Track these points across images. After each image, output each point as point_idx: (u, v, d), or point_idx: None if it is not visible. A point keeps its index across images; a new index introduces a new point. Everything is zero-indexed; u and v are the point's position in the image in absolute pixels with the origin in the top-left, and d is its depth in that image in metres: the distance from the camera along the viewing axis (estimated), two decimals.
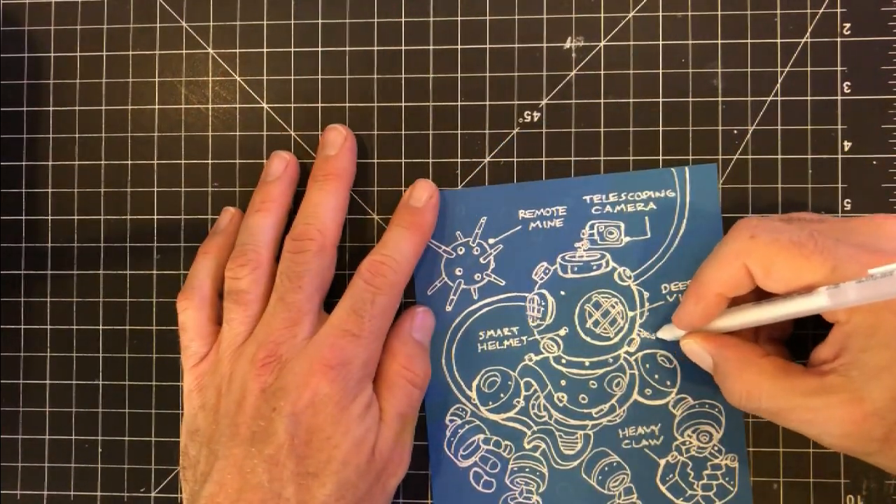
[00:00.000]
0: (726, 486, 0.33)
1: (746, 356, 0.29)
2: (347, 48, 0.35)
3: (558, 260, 0.34)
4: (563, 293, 0.34)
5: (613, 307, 0.33)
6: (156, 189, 0.35)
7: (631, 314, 0.33)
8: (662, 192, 0.34)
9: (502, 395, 0.34)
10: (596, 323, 0.33)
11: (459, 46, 0.35)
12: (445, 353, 0.34)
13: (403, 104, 0.35)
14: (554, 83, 0.34)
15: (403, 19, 0.35)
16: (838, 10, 0.34)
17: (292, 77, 0.35)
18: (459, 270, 0.34)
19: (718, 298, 0.29)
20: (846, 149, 0.33)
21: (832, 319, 0.28)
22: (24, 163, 0.36)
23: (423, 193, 0.33)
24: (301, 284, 0.31)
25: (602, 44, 0.34)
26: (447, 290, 0.34)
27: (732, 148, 0.34)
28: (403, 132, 0.35)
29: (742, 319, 0.30)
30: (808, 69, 0.34)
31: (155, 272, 0.35)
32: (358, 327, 0.30)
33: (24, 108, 0.36)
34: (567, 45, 0.34)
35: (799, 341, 0.33)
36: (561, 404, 0.33)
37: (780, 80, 0.34)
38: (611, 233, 0.34)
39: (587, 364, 0.33)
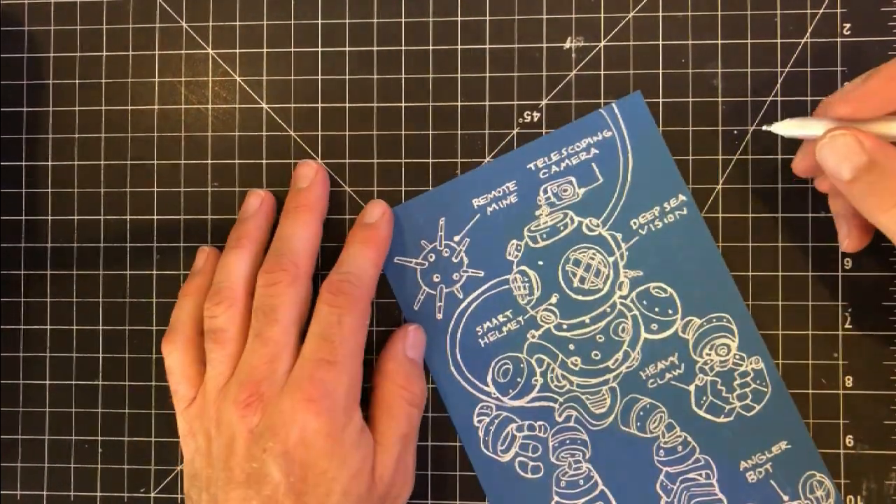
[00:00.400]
0: (760, 388, 0.33)
1: None
2: (347, 48, 0.35)
3: (525, 233, 0.34)
4: (540, 263, 0.34)
5: (593, 259, 0.34)
6: (156, 189, 0.35)
7: (611, 259, 0.34)
8: (600, 135, 0.34)
9: (519, 379, 0.34)
10: (582, 280, 0.34)
11: (459, 46, 0.35)
12: (451, 358, 0.34)
13: (403, 104, 0.35)
14: (554, 83, 0.34)
15: (403, 19, 0.35)
16: (838, 10, 0.34)
17: (292, 77, 0.35)
18: (437, 277, 0.34)
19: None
20: None
21: None
22: (23, 163, 0.36)
23: (375, 210, 0.33)
24: (276, 318, 0.30)
25: (602, 44, 0.34)
26: (432, 300, 0.34)
27: (732, 148, 0.34)
28: (403, 132, 0.35)
29: None
30: (808, 69, 0.34)
31: (155, 272, 0.35)
32: (331, 353, 0.30)
33: (24, 109, 0.36)
34: (567, 45, 0.34)
35: None
36: (577, 368, 0.34)
37: (780, 80, 0.34)
38: (565, 190, 0.34)
39: (587, 321, 0.34)
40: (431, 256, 0.34)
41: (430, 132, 0.35)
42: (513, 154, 0.34)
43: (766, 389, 0.33)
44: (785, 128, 0.29)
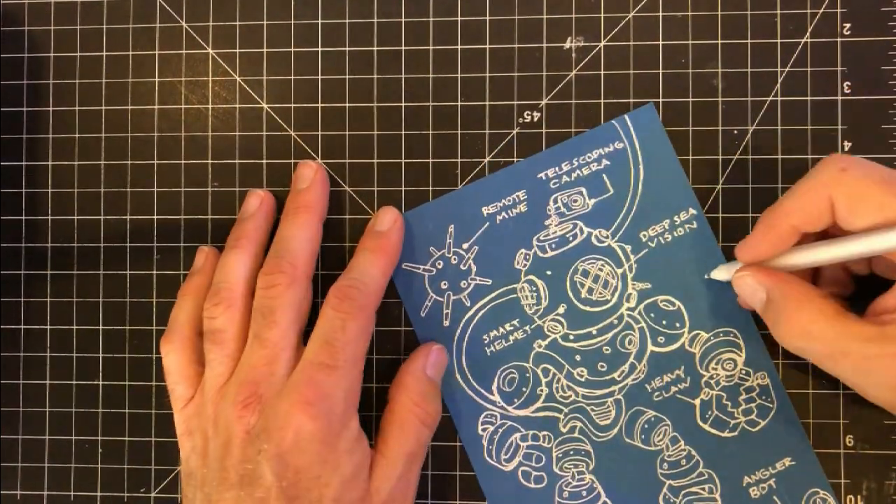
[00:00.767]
0: (765, 404, 0.33)
1: (805, 293, 0.28)
2: (347, 48, 0.35)
3: (534, 243, 0.34)
4: (549, 273, 0.34)
5: (601, 270, 0.34)
6: (156, 189, 0.35)
7: (620, 271, 0.34)
8: (611, 146, 0.34)
9: (524, 389, 0.34)
10: (590, 290, 0.34)
11: (459, 46, 0.35)
12: (457, 366, 0.34)
13: (403, 104, 0.35)
14: (554, 83, 0.34)
15: (403, 19, 0.35)
16: (838, 10, 0.34)
17: (292, 77, 0.35)
18: (444, 284, 0.34)
19: (791, 231, 0.28)
20: (846, 149, 0.33)
21: None
22: (24, 163, 0.36)
23: (386, 218, 0.33)
24: (275, 319, 0.30)
25: (602, 44, 0.34)
26: (439, 307, 0.34)
27: (732, 148, 0.34)
28: (403, 132, 0.35)
29: (811, 256, 0.29)
30: (808, 69, 0.34)
31: (155, 272, 0.35)
32: (332, 358, 0.29)
33: (24, 108, 0.36)
34: (567, 45, 0.34)
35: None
36: (582, 379, 0.34)
37: (780, 80, 0.34)
38: (575, 201, 0.34)
39: (594, 332, 0.34)
40: (440, 263, 0.34)
41: (430, 132, 0.35)
42: (523, 163, 0.34)
43: (771, 405, 0.33)
44: (716, 274, 0.32)
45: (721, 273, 0.32)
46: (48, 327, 0.36)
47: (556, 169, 0.34)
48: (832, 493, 0.33)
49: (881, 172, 0.27)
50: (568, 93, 0.34)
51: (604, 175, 0.34)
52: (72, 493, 0.36)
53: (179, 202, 0.35)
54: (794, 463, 0.33)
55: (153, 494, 0.35)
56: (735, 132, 0.34)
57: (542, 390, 0.34)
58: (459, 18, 0.35)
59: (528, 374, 0.34)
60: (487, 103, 0.34)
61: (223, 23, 0.35)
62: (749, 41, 0.34)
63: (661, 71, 0.34)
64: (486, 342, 0.34)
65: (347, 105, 0.35)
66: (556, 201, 0.34)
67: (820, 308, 0.28)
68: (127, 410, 0.35)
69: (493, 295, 0.34)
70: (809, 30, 0.34)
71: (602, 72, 0.34)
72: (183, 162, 0.35)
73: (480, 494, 0.34)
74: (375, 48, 0.35)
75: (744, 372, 0.33)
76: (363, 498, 0.29)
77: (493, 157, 0.34)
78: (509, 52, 0.34)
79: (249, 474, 0.29)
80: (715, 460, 0.33)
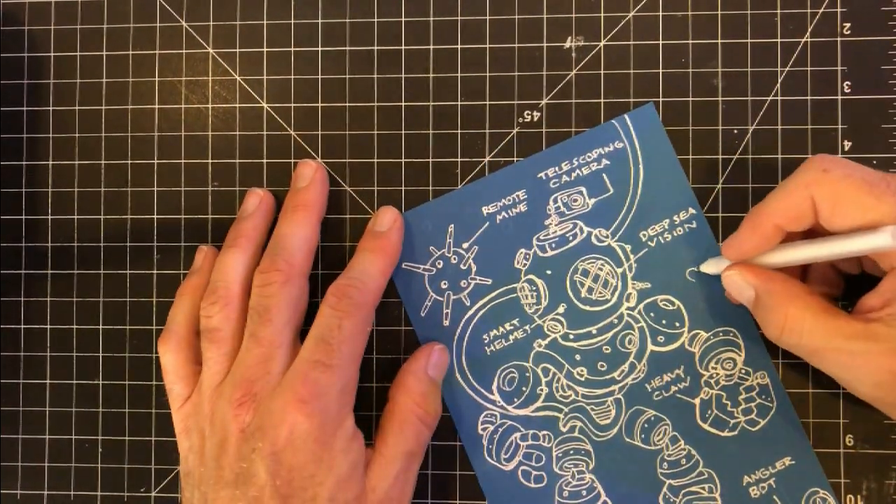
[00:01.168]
0: (765, 403, 0.33)
1: (792, 290, 0.29)
2: (347, 48, 0.35)
3: (534, 242, 0.34)
4: (549, 272, 0.34)
5: (601, 269, 0.34)
6: (156, 189, 0.35)
7: (620, 271, 0.34)
8: (611, 146, 0.34)
9: (524, 388, 0.34)
10: (590, 290, 0.34)
11: (459, 46, 0.35)
12: (457, 365, 0.34)
13: (403, 104, 0.35)
14: (554, 83, 0.34)
15: (403, 19, 0.35)
16: (838, 10, 0.34)
17: (292, 77, 0.35)
18: (444, 283, 0.34)
19: (775, 230, 0.29)
20: (846, 148, 0.33)
21: (888, 266, 0.28)
22: (24, 163, 0.36)
23: (386, 218, 0.33)
24: (270, 318, 0.30)
25: (602, 44, 0.34)
26: (439, 307, 0.34)
27: (732, 148, 0.34)
28: (403, 132, 0.35)
29: (795, 255, 0.29)
30: (808, 69, 0.34)
31: (155, 272, 0.35)
32: (328, 356, 0.29)
33: (24, 108, 0.36)
34: (567, 44, 0.34)
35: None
36: (582, 378, 0.34)
37: (780, 80, 0.34)
38: (575, 200, 0.34)
39: (594, 332, 0.34)
40: (440, 263, 0.34)
41: (430, 132, 0.35)
42: (523, 163, 0.34)
43: (771, 405, 0.33)
44: (705, 267, 0.33)
45: (710, 267, 0.33)
46: (48, 327, 0.36)
47: (556, 168, 0.34)
48: (832, 492, 0.33)
49: (863, 173, 0.27)
50: (568, 92, 0.34)
51: (604, 175, 0.34)
52: (72, 492, 0.36)
53: (179, 202, 0.35)
54: (793, 462, 0.33)
55: (153, 494, 0.35)
56: (735, 132, 0.34)
57: (541, 390, 0.34)
58: (459, 18, 0.35)
59: (528, 374, 0.34)
60: (487, 103, 0.34)
61: (223, 22, 0.35)
62: (749, 41, 0.34)
63: (661, 71, 0.34)
64: (486, 342, 0.34)
65: (347, 105, 0.35)
66: (556, 201, 0.34)
67: (806, 305, 0.28)
68: (127, 410, 0.35)
69: (493, 294, 0.34)
70: (809, 30, 0.34)
71: (602, 71, 0.34)
72: (183, 162, 0.35)
73: (480, 494, 0.34)
74: (375, 48, 0.35)
75: (743, 371, 0.33)
76: (359, 497, 0.29)
77: (493, 156, 0.34)
78: (509, 51, 0.34)
79: (244, 473, 0.29)
80: (715, 460, 0.33)
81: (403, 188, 0.35)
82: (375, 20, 0.35)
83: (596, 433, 0.33)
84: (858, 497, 0.33)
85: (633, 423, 0.33)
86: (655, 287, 0.33)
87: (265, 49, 0.35)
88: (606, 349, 0.34)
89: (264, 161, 0.35)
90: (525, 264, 0.34)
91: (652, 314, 0.33)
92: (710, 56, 0.34)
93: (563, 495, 0.33)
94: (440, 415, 0.33)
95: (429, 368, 0.33)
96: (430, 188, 0.34)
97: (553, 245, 0.34)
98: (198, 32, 0.36)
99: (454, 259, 0.34)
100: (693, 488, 0.33)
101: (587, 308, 0.34)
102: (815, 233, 0.29)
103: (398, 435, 0.31)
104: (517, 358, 0.34)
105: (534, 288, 0.34)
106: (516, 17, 0.34)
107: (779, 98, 0.34)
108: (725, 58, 0.34)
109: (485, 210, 0.34)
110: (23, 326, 0.36)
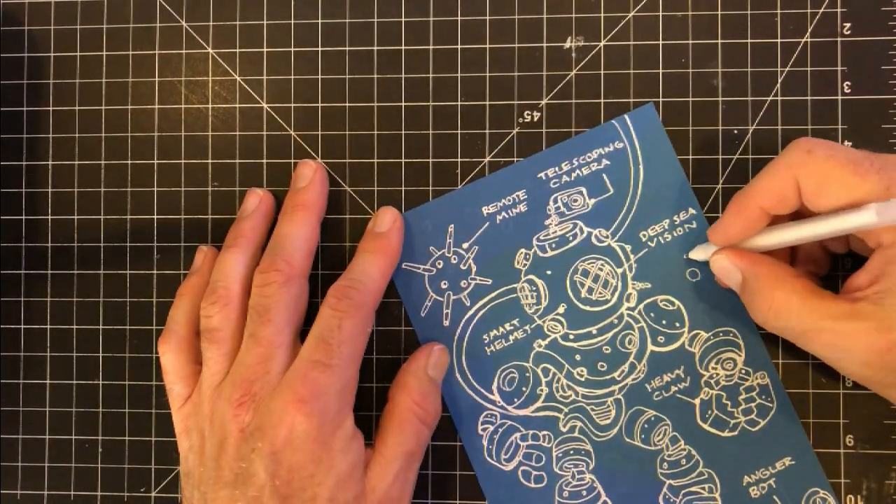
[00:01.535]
0: (765, 403, 0.33)
1: (779, 273, 0.29)
2: (347, 48, 0.35)
3: (534, 242, 0.34)
4: (549, 273, 0.34)
5: (601, 270, 0.34)
6: (156, 189, 0.35)
7: (620, 271, 0.34)
8: (611, 146, 0.34)
9: (524, 388, 0.34)
10: (590, 290, 0.34)
11: (459, 46, 0.35)
12: (457, 365, 0.34)
13: (403, 104, 0.35)
14: (554, 83, 0.34)
15: (403, 19, 0.35)
16: (838, 10, 0.34)
17: (292, 77, 0.35)
18: (444, 284, 0.34)
19: (760, 213, 0.29)
20: None
21: (875, 244, 0.28)
22: (24, 163, 0.36)
23: (386, 218, 0.33)
24: (270, 318, 0.30)
25: (602, 44, 0.34)
26: (439, 307, 0.34)
27: (732, 148, 0.34)
28: (403, 132, 0.35)
29: (781, 237, 0.29)
30: (808, 69, 0.34)
31: (155, 272, 0.35)
32: (328, 356, 0.29)
33: (24, 108, 0.36)
34: (567, 44, 0.34)
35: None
36: (582, 378, 0.34)
37: (780, 80, 0.34)
38: (575, 200, 0.34)
39: (594, 332, 0.34)
40: (440, 263, 0.34)
41: (430, 132, 0.35)
42: (523, 163, 0.34)
43: (771, 405, 0.33)
44: (693, 254, 0.33)
45: (699, 253, 0.33)
46: (48, 327, 0.36)
47: (556, 169, 0.34)
48: (832, 492, 0.33)
49: (846, 153, 0.27)
50: (568, 93, 0.34)
51: (604, 175, 0.34)
52: (72, 492, 0.36)
53: (179, 202, 0.35)
54: (793, 462, 0.33)
55: (153, 494, 0.35)
56: (735, 132, 0.34)
57: (542, 390, 0.34)
58: (459, 18, 0.35)
59: (528, 374, 0.34)
60: (487, 103, 0.34)
61: (223, 23, 0.35)
62: (749, 41, 0.34)
63: (661, 71, 0.34)
64: (486, 342, 0.34)
65: (347, 105, 0.35)
66: (556, 201, 0.34)
67: (793, 287, 0.28)
68: (127, 410, 0.35)
69: (493, 295, 0.34)
70: (809, 30, 0.34)
71: (602, 72, 0.34)
72: (183, 162, 0.35)
73: (480, 494, 0.34)
74: (375, 48, 0.35)
75: (743, 371, 0.33)
76: (358, 497, 0.29)
77: (493, 156, 0.34)
78: (509, 52, 0.34)
79: (244, 473, 0.29)
80: (715, 460, 0.33)
81: (403, 188, 0.35)
82: (375, 20, 0.35)
83: (596, 433, 0.33)
84: (858, 497, 0.33)
85: (633, 424, 0.33)
86: (655, 287, 0.33)
87: (265, 49, 0.35)
88: (606, 349, 0.34)
89: (264, 161, 0.35)
90: (525, 264, 0.34)
91: (652, 314, 0.33)
92: (710, 56, 0.34)
93: (563, 495, 0.33)
94: (440, 415, 0.33)
95: (429, 368, 0.33)
96: (430, 188, 0.34)
97: (553, 245, 0.34)
98: (198, 32, 0.36)
99: (454, 259, 0.34)
100: (693, 488, 0.33)
101: (587, 308, 0.34)
102: (800, 216, 0.29)
103: (398, 435, 0.31)
104: (517, 358, 0.34)
105: (534, 288, 0.34)
106: (516, 17, 0.34)
107: (779, 98, 0.34)
108: (725, 58, 0.34)
109: (485, 210, 0.34)
110: (23, 326, 0.36)
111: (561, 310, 0.34)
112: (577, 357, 0.34)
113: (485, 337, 0.34)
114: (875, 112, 0.33)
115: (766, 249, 0.30)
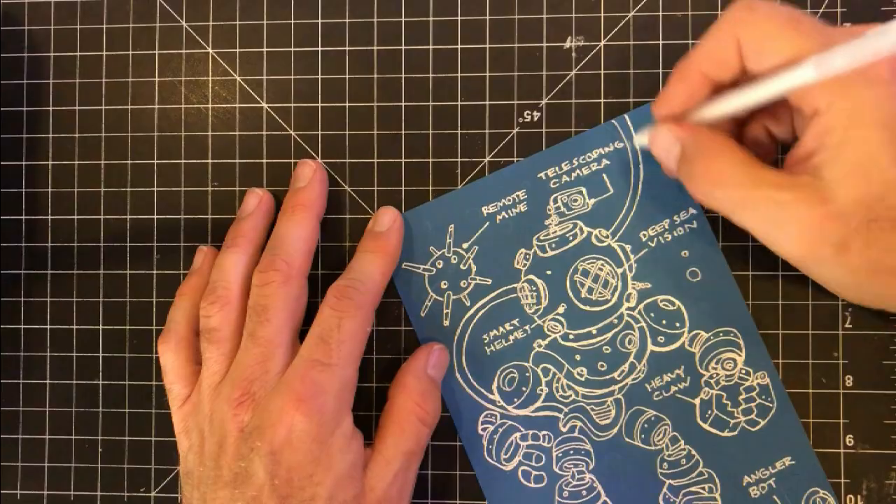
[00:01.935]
0: (765, 403, 0.33)
1: (719, 143, 0.28)
2: (347, 48, 0.35)
3: (534, 242, 0.34)
4: (549, 272, 0.34)
5: (601, 270, 0.34)
6: (156, 189, 0.35)
7: (620, 271, 0.34)
8: (611, 146, 0.34)
9: (524, 388, 0.34)
10: (590, 290, 0.34)
11: (459, 46, 0.35)
12: (457, 365, 0.34)
13: (403, 104, 0.35)
14: (554, 83, 0.34)
15: (403, 19, 0.35)
16: (838, 10, 0.34)
17: (292, 77, 0.35)
18: (444, 283, 0.34)
19: (703, 79, 0.29)
20: None
21: (811, 110, 0.27)
22: (24, 163, 0.36)
23: (385, 218, 0.33)
24: (268, 317, 0.30)
25: (602, 43, 0.34)
26: (439, 307, 0.34)
27: None
28: (403, 132, 0.35)
29: (724, 106, 0.28)
30: None
31: (155, 272, 0.35)
32: (327, 355, 0.30)
33: (24, 108, 0.36)
34: (567, 44, 0.34)
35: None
36: (582, 378, 0.34)
37: None
38: (575, 200, 0.34)
39: (594, 332, 0.34)
40: (440, 263, 0.34)
41: (430, 132, 0.35)
42: (523, 163, 0.34)
43: (771, 405, 0.33)
44: (639, 139, 0.33)
45: (644, 138, 0.32)
46: (48, 327, 0.36)
47: (556, 168, 0.34)
48: (832, 492, 0.33)
49: (789, 11, 0.27)
50: (568, 92, 0.34)
51: (604, 175, 0.34)
52: (72, 492, 0.36)
53: (179, 202, 0.35)
54: (793, 462, 0.33)
55: (153, 494, 0.35)
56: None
57: (541, 390, 0.34)
58: (459, 18, 0.35)
59: (528, 374, 0.34)
60: (487, 103, 0.34)
61: (223, 22, 0.35)
62: None
63: (661, 71, 0.34)
64: (486, 342, 0.34)
65: (347, 105, 0.35)
66: (556, 201, 0.34)
67: (734, 154, 0.28)
68: (127, 410, 0.35)
69: (492, 295, 0.34)
70: None
71: (602, 71, 0.34)
72: (183, 162, 0.35)
73: (480, 494, 0.34)
74: (375, 48, 0.35)
75: (744, 371, 0.33)
76: (357, 497, 0.29)
77: (493, 156, 0.34)
78: (509, 52, 0.34)
79: (243, 472, 0.29)
80: (715, 460, 0.33)
81: (403, 188, 0.35)
82: (375, 20, 0.35)
83: (596, 433, 0.34)
84: (858, 497, 0.33)
85: (633, 424, 0.33)
86: (655, 287, 0.34)
87: (265, 49, 0.35)
88: (606, 349, 0.34)
89: (264, 161, 0.35)
90: (525, 264, 0.34)
91: (652, 314, 0.33)
92: None
93: (563, 495, 0.33)
94: (440, 414, 0.33)
95: (428, 368, 0.33)
96: (430, 188, 0.34)
97: (553, 245, 0.34)
98: (198, 32, 0.36)
99: (454, 259, 0.34)
100: (693, 488, 0.33)
101: (587, 308, 0.34)
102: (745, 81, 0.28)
103: (397, 435, 0.31)
104: (517, 358, 0.34)
105: (534, 288, 0.34)
106: (516, 17, 0.34)
107: None
108: None
109: (485, 210, 0.34)
110: (23, 326, 0.36)
111: (561, 310, 0.34)
112: (577, 357, 0.34)
113: (485, 337, 0.34)
114: None
115: (709, 122, 0.29)
